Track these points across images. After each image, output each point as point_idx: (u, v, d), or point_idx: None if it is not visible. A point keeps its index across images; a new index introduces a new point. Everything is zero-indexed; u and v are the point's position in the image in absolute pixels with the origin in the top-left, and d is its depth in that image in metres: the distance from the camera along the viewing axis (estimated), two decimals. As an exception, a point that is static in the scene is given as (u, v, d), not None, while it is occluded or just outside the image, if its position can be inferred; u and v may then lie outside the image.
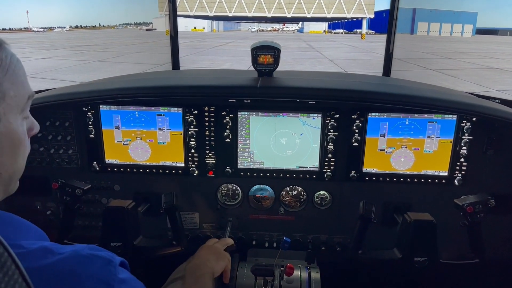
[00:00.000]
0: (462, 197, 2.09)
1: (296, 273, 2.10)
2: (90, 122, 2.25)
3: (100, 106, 2.23)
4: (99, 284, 0.92)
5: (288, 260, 2.23)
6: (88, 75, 16.30)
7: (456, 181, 2.20)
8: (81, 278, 0.90)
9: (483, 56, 30.19)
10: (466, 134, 2.12)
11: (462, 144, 2.14)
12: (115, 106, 2.23)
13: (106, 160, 2.32)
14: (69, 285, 0.88)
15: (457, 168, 2.18)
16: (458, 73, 19.08)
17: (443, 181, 2.21)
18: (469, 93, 2.65)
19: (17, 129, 0.96)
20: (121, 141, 2.28)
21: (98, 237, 2.07)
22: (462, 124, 2.12)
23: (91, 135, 2.27)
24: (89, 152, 2.31)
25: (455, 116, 2.12)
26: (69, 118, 2.27)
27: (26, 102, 0.99)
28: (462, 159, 2.16)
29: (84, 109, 2.23)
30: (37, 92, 2.42)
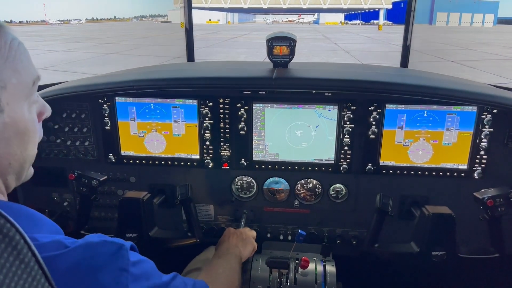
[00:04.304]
0: (482, 190, 2.04)
1: (311, 266, 2.09)
2: (106, 114, 2.26)
3: (116, 98, 2.24)
4: (113, 268, 0.93)
5: (303, 253, 2.21)
6: (103, 67, 16.46)
7: (475, 174, 2.15)
8: (95, 265, 0.91)
9: (505, 47, 29.42)
10: (487, 126, 2.07)
11: (482, 136, 2.08)
12: (131, 98, 2.23)
13: (122, 152, 2.34)
14: (84, 273, 0.89)
15: (477, 161, 2.13)
16: (478, 64, 18.67)
17: (462, 174, 2.17)
18: (490, 84, 2.58)
19: (23, 117, 0.93)
20: (136, 133, 2.29)
21: (114, 228, 2.09)
22: (482, 116, 2.06)
23: (107, 127, 2.29)
24: (105, 144, 2.33)
25: (475, 107, 2.07)
26: (85, 110, 2.29)
27: (31, 87, 0.96)
28: (482, 152, 2.11)
29: (100, 101, 2.25)
30: (53, 84, 2.45)
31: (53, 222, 0.99)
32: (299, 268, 2.00)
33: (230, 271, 1.74)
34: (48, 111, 1.06)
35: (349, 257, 2.35)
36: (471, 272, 2.28)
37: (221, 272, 1.69)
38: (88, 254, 0.91)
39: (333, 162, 2.24)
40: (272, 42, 2.22)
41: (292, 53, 2.24)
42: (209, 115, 2.22)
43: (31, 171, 1.06)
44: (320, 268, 2.13)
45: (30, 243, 0.74)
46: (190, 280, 1.27)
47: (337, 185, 2.33)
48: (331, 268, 2.14)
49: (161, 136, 2.29)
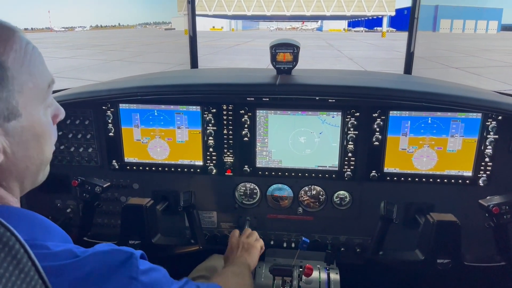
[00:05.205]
0: (488, 197, 2.02)
1: (315, 274, 2.08)
2: (109, 121, 2.27)
3: (120, 105, 2.24)
4: (123, 277, 0.92)
5: (307, 261, 2.20)
6: (108, 74, 16.51)
7: (480, 182, 2.13)
8: (105, 274, 0.90)
9: (509, 53, 29.36)
10: (492, 133, 2.05)
11: (487, 143, 2.07)
12: (134, 105, 2.24)
13: (125, 158, 2.33)
14: (94, 282, 0.88)
15: (482, 168, 2.12)
16: (482, 71, 18.61)
17: (467, 181, 2.15)
18: (495, 91, 2.57)
19: (40, 120, 0.94)
20: (140, 140, 2.29)
21: (117, 234, 2.08)
22: (487, 123, 2.05)
23: (111, 134, 2.29)
24: (109, 151, 2.33)
25: (479, 114, 2.05)
26: (89, 116, 2.29)
27: (46, 91, 0.97)
28: (487, 159, 2.10)
29: (103, 107, 2.25)
30: (57, 91, 2.46)
31: (62, 231, 0.99)
32: (303, 276, 1.99)
33: (241, 275, 1.74)
34: (62, 114, 1.07)
35: (353, 265, 2.33)
36: (476, 280, 2.26)
37: (231, 276, 1.69)
38: (98, 264, 0.90)
39: (337, 169, 2.23)
40: (276, 48, 2.22)
41: (295, 59, 2.25)
42: (212, 121, 2.22)
43: (46, 173, 1.07)
44: (324, 276, 2.12)
45: (30, 252, 0.74)
46: (203, 285, 1.26)
47: (341, 192, 2.32)
48: (335, 276, 2.13)
49: (164, 142, 2.29)
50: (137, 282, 0.93)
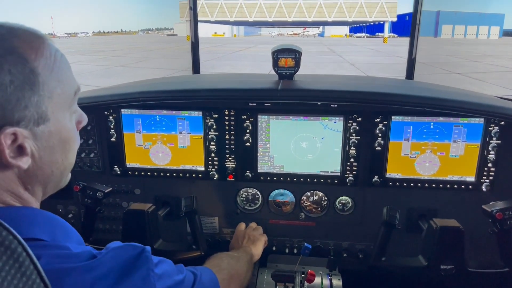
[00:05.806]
0: (491, 203, 2.01)
1: (318, 280, 2.07)
2: (111, 126, 2.27)
3: (122, 110, 2.25)
4: (142, 269, 0.98)
5: (309, 267, 2.19)
6: (110, 79, 16.57)
7: (483, 187, 2.12)
8: (126, 268, 0.95)
9: (511, 59, 29.34)
10: (494, 138, 2.05)
11: (489, 148, 2.06)
12: (136, 110, 2.24)
13: (127, 164, 2.33)
14: (116, 278, 0.92)
15: (485, 173, 2.11)
16: (485, 76, 18.59)
17: (470, 186, 2.14)
18: (497, 96, 2.57)
19: (66, 126, 0.97)
20: (142, 145, 2.29)
21: (119, 240, 2.07)
22: (490, 128, 2.04)
23: (113, 139, 2.29)
24: (110, 156, 2.33)
25: (482, 119, 2.05)
26: (91, 121, 2.29)
27: (73, 97, 1.00)
28: (490, 164, 2.09)
29: (106, 112, 2.25)
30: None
31: (78, 234, 1.03)
32: (305, 282, 1.97)
33: (236, 258, 1.79)
34: (85, 120, 1.10)
35: (356, 271, 2.32)
36: (480, 287, 2.24)
37: (225, 257, 1.75)
38: (117, 260, 0.95)
39: (339, 174, 2.22)
40: (278, 54, 2.23)
41: (297, 65, 2.25)
42: (214, 127, 2.22)
43: (68, 178, 1.10)
44: (326, 282, 2.11)
45: (32, 255, 0.74)
46: (195, 269, 1.34)
47: (343, 198, 2.31)
48: (337, 282, 2.12)
49: (166, 148, 2.29)
50: (154, 274, 0.99)
